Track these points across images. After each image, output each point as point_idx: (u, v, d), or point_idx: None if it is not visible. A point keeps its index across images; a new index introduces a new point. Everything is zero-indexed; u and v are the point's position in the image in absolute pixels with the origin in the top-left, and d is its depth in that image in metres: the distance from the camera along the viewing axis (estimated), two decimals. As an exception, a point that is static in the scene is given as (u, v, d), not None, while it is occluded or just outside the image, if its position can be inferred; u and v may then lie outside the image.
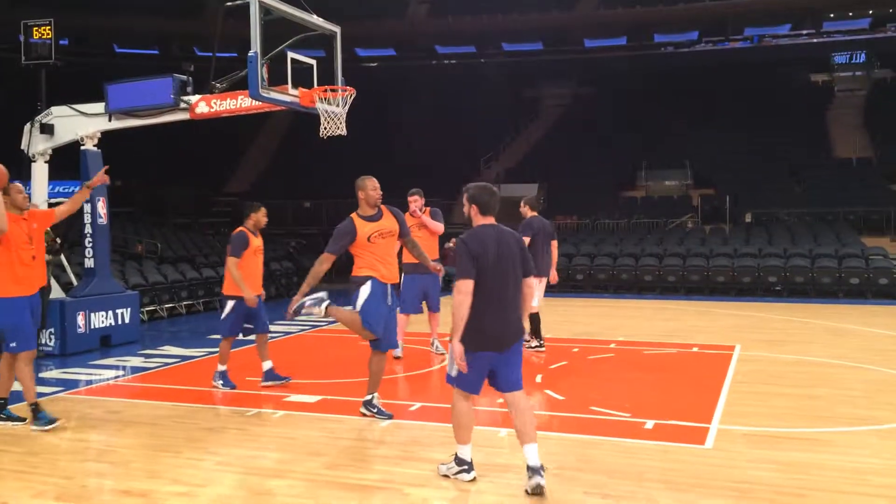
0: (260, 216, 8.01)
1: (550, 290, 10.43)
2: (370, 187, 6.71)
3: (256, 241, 7.94)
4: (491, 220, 5.10)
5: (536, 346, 9.98)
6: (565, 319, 13.77)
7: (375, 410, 6.76)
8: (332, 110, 9.80)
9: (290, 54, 9.34)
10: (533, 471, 4.90)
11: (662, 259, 19.14)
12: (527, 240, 8.76)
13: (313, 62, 9.76)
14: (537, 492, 4.83)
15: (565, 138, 30.33)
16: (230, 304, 7.91)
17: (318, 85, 9.71)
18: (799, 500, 4.79)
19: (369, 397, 6.80)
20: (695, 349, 10.40)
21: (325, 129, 9.57)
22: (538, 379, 8.36)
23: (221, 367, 8.02)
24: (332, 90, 9.88)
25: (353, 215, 6.68)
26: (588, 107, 32.65)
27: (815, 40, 33.75)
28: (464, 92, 32.94)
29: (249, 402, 7.43)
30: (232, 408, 7.32)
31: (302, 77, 9.86)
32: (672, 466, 5.45)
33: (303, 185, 26.56)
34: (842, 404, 7.22)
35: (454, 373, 5.02)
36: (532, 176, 26.98)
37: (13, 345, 6.49)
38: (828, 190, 23.93)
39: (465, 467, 5.17)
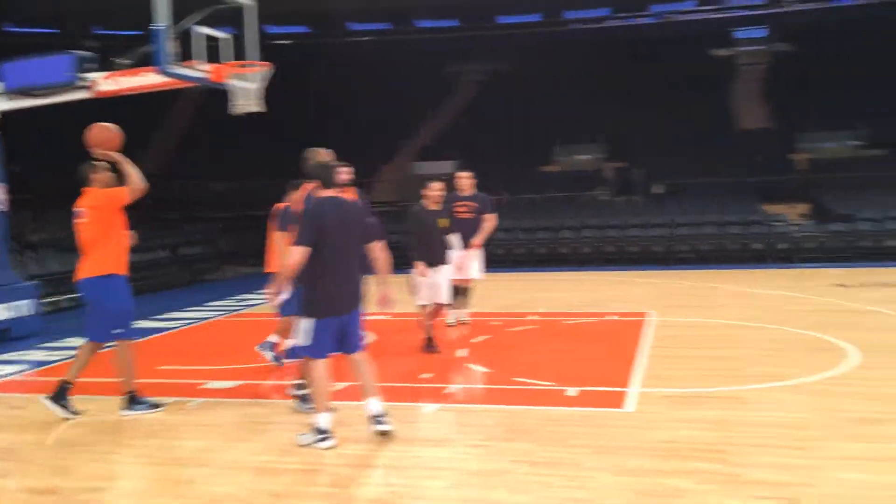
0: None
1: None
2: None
3: None
4: (332, 193, 5.42)
5: (461, 321, 10.01)
6: (486, 294, 13.85)
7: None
8: (247, 86, 9.50)
9: (200, 29, 8.98)
10: (377, 418, 5.39)
11: (579, 232, 19.51)
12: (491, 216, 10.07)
13: (225, 36, 9.40)
14: (385, 434, 5.33)
15: (482, 115, 30.42)
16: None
17: (230, 61, 9.38)
18: (720, 455, 4.96)
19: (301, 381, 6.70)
20: (612, 317, 10.65)
21: (239, 105, 9.26)
22: (462, 353, 8.39)
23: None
24: (245, 65, 9.57)
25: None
26: (503, 83, 32.82)
27: (717, 16, 34.83)
28: (380, 70, 32.57)
29: (165, 392, 7.15)
30: (146, 398, 7.03)
31: (213, 54, 9.51)
32: (596, 431, 5.56)
33: (217, 166, 25.80)
34: (752, 363, 7.52)
35: (306, 342, 5.28)
36: (450, 153, 27.00)
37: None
38: (732, 160, 24.80)
39: (326, 436, 5.28)
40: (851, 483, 4.43)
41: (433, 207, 8.63)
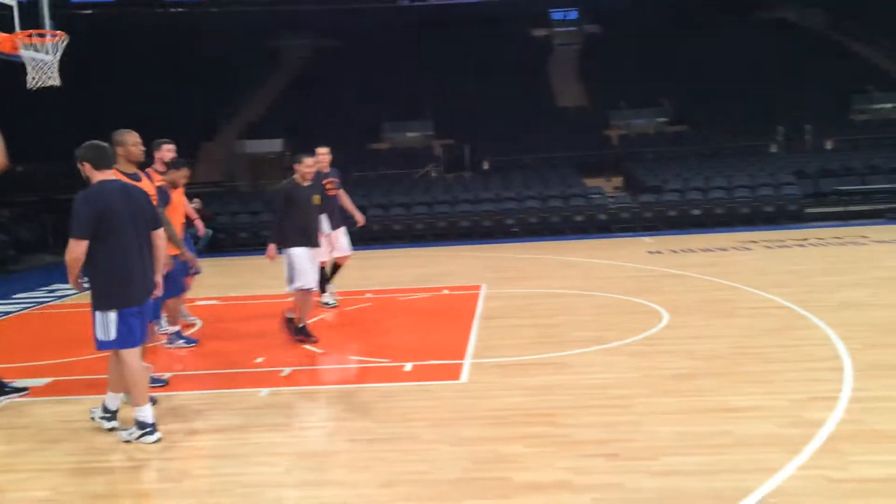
0: (180, 176, 7.70)
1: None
2: (131, 142, 6.00)
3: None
4: (109, 175, 5.07)
5: (332, 303, 9.87)
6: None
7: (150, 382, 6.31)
8: (42, 58, 8.69)
9: (-17, -7, 8.07)
10: (111, 414, 5.28)
11: (410, 208, 19.67)
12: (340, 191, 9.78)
13: (13, 3, 8.51)
14: (111, 430, 5.21)
15: (308, 92, 29.78)
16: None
17: (23, 30, 8.53)
18: (549, 418, 5.17)
19: None
20: (445, 291, 10.83)
21: (34, 79, 8.46)
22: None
23: (177, 327, 7.85)
24: (40, 35, 8.75)
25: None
26: (329, 60, 32.32)
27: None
28: (196, 43, 30.99)
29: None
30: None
31: (5, 23, 8.60)
32: (432, 404, 5.63)
33: (15, 145, 23.48)
34: (576, 329, 7.92)
35: (112, 335, 4.95)
36: (276, 131, 26.25)
37: None
38: (553, 136, 25.95)
39: (150, 430, 5.04)
40: (666, 435, 4.77)
41: (306, 184, 7.83)
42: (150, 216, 5.18)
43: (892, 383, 5.55)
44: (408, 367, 6.67)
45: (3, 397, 6.09)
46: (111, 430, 5.23)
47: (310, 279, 7.65)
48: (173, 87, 28.35)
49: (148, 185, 6.13)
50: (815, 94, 25.32)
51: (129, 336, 5.00)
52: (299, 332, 7.70)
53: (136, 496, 4.28)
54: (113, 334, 4.95)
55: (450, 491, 4.11)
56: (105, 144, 5.20)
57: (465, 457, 4.58)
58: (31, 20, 8.82)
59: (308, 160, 7.85)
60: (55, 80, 8.87)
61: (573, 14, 37.68)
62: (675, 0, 33.54)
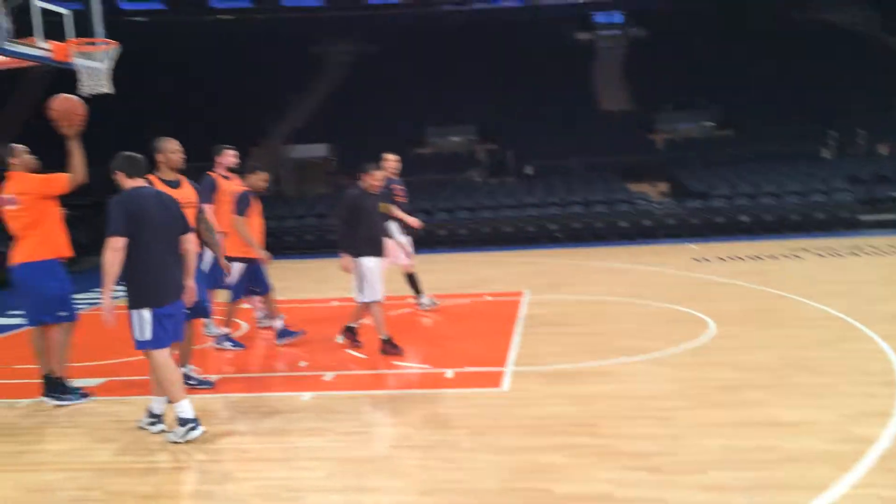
0: (258, 179, 7.91)
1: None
2: (170, 149, 6.19)
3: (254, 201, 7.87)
4: (141, 182, 5.32)
5: (430, 304, 9.96)
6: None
7: (195, 382, 6.46)
8: (94, 66, 8.92)
9: (37, 2, 8.30)
10: (156, 418, 5.40)
11: (453, 213, 19.69)
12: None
13: (66, 12, 8.75)
14: (159, 433, 5.32)
15: (353, 97, 30.07)
16: (237, 266, 7.81)
17: (76, 38, 8.76)
18: (590, 429, 5.12)
19: (185, 369, 6.45)
20: (487, 298, 10.81)
21: (87, 86, 8.68)
22: (339, 339, 8.25)
23: (227, 329, 8.03)
24: (92, 43, 8.98)
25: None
26: (374, 64, 32.57)
27: (577, 1, 35.97)
28: (243, 50, 31.53)
29: (24, 392, 6.63)
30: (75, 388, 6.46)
31: (55, 31, 8.85)
32: (473, 412, 5.62)
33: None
34: (619, 337, 7.82)
35: (147, 336, 5.13)
36: (322, 135, 26.54)
37: None
38: (597, 141, 25.77)
39: (192, 425, 5.18)
40: (711, 448, 4.68)
41: (374, 191, 7.63)
42: (181, 222, 5.38)
43: (949, 399, 5.36)
44: (449, 373, 6.67)
45: (65, 398, 6.23)
46: (160, 433, 5.34)
47: (379, 291, 7.45)
48: (221, 92, 28.88)
49: (188, 190, 6.28)
50: (868, 98, 24.68)
51: (163, 336, 5.19)
52: (385, 345, 7.44)
53: (181, 498, 4.36)
54: (148, 334, 5.13)
55: (489, 500, 4.09)
56: (137, 155, 5.40)
57: (505, 466, 4.56)
58: (84, 28, 9.06)
59: (378, 173, 7.64)
60: (107, 88, 9.08)
61: (618, 17, 37.39)
62: (721, 2, 33.06)
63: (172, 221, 5.29)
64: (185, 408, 5.18)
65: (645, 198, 20.13)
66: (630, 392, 5.90)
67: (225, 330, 8.08)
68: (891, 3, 30.84)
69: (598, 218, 18.84)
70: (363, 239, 7.40)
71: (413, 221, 9.87)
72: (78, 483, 4.59)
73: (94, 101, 9.70)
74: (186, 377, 6.41)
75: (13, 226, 6.12)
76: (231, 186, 8.41)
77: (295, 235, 19.74)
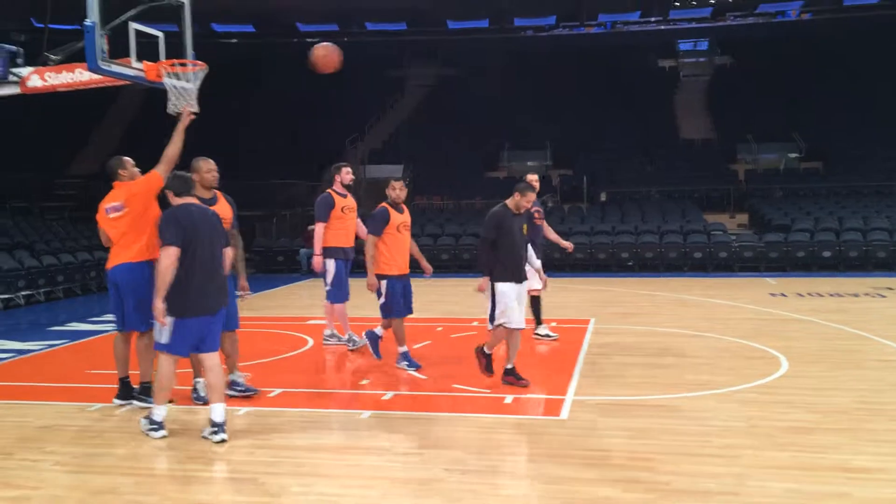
0: (393, 191, 7.76)
1: (417, 270, 10.15)
2: (204, 169, 6.49)
3: (401, 217, 7.73)
4: (189, 200, 5.73)
5: (545, 335, 9.37)
6: (432, 299, 13.84)
7: (241, 388, 6.68)
8: (182, 86, 9.30)
9: (133, 25, 8.73)
10: (218, 426, 5.52)
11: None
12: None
13: (160, 34, 9.18)
14: (220, 442, 5.46)
15: (430, 119, 30.44)
16: (384, 284, 7.63)
17: (167, 59, 9.17)
18: (648, 463, 5.01)
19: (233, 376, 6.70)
20: (553, 324, 10.69)
21: (175, 105, 9.06)
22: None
23: (403, 348, 7.77)
24: (182, 64, 9.38)
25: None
26: (452, 88, 32.92)
27: (662, 27, 35.59)
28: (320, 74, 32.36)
29: (89, 397, 6.91)
30: (72, 403, 6.79)
31: (149, 51, 9.29)
32: (529, 439, 5.57)
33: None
34: (687, 371, 7.63)
35: (165, 339, 5.52)
36: (397, 157, 26.91)
37: None
38: (675, 169, 25.31)
39: (157, 426, 5.63)
40: (776, 491, 4.51)
41: (520, 212, 7.09)
42: (222, 236, 5.82)
43: None
44: (508, 399, 6.63)
45: (129, 402, 6.50)
46: (221, 442, 5.48)
47: (516, 318, 6.87)
48: (304, 112, 29.68)
49: (224, 206, 6.54)
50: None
51: (181, 344, 5.54)
52: (508, 374, 7.02)
53: (237, 507, 4.45)
54: (166, 338, 5.52)
55: (540, 531, 4.04)
56: (187, 175, 5.91)
57: (558, 496, 4.49)
58: (176, 49, 9.47)
59: (531, 194, 7.11)
60: (194, 108, 9.45)
61: (703, 45, 36.79)
62: (809, 30, 32.15)
63: (216, 236, 5.70)
64: (159, 412, 5.63)
65: (722, 228, 19.62)
66: (694, 428, 5.74)
67: (403, 348, 7.75)
68: None
69: (672, 247, 18.44)
70: (501, 261, 6.86)
71: (567, 245, 9.75)
72: (141, 488, 4.75)
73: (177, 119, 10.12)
74: (233, 383, 6.64)
75: (114, 233, 6.35)
76: (346, 203, 8.71)
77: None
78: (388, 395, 6.82)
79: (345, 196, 8.75)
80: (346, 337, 8.86)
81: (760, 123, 26.76)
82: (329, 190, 8.80)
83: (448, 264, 19.21)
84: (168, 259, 5.39)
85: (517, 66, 33.05)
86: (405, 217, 7.78)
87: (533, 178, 9.14)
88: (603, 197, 24.35)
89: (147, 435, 5.65)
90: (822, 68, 30.00)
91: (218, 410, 5.58)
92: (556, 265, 18.70)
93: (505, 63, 32.91)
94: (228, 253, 5.92)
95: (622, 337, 9.63)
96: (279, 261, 20.28)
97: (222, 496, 4.61)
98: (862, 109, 26.15)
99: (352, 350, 8.72)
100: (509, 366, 7.06)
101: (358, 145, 29.69)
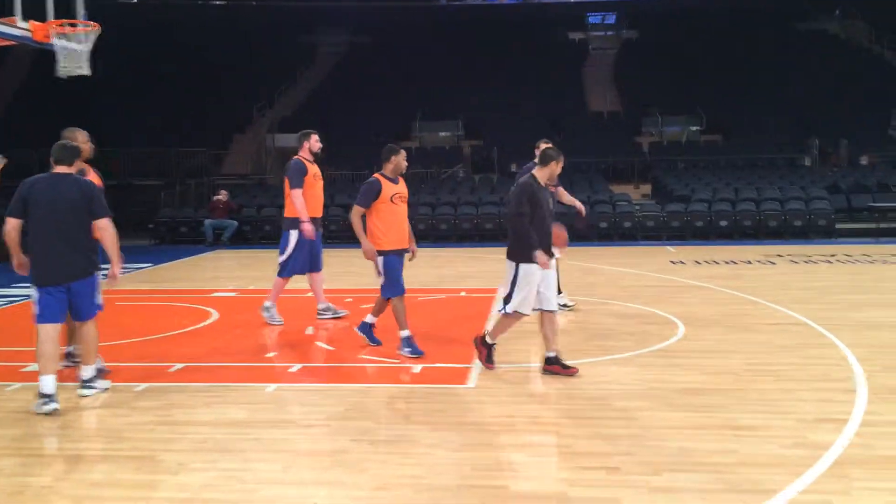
0: (401, 160, 7.20)
1: (327, 241, 9.95)
2: (80, 140, 6.33)
3: (395, 188, 7.10)
4: (63, 169, 5.73)
5: (563, 305, 8.89)
6: (343, 270, 13.74)
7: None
8: (73, 48, 8.86)
9: (18, -19, 8.23)
10: (84, 382, 5.81)
11: (435, 208, 19.67)
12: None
13: (47, -9, 8.69)
14: (83, 397, 5.74)
15: (341, 88, 29.96)
16: (379, 261, 7.08)
17: (56, 19, 8.70)
18: (554, 427, 5.14)
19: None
20: (462, 294, 10.81)
21: (65, 67, 8.61)
22: (309, 331, 8.24)
23: (405, 333, 7.10)
24: (72, 25, 8.92)
25: None
26: (364, 56, 32.45)
27: (571, 0, 36.02)
28: (232, 37, 31.34)
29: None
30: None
31: (37, 10, 8.78)
32: (437, 408, 5.62)
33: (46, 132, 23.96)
34: (590, 338, 7.85)
35: (36, 309, 5.61)
36: (308, 125, 26.40)
37: None
38: (583, 141, 25.80)
39: (47, 400, 5.48)
40: (669, 450, 4.70)
41: (547, 185, 6.57)
42: (79, 206, 5.64)
43: (906, 408, 5.42)
44: (416, 368, 6.66)
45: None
46: (52, 412, 5.46)
47: (529, 305, 6.35)
48: (209, 78, 28.70)
49: (94, 179, 6.30)
50: (852, 109, 24.88)
51: (46, 312, 5.59)
52: (552, 363, 6.42)
53: (132, 486, 4.31)
54: (36, 308, 5.60)
55: (444, 497, 4.09)
56: (71, 144, 5.89)
57: (465, 463, 4.56)
58: (65, 10, 8.98)
59: (562, 160, 6.57)
60: (85, 70, 9.02)
61: (611, 18, 37.43)
62: (715, 8, 33.17)
63: (67, 205, 5.60)
64: (47, 383, 5.49)
65: (627, 199, 20.19)
66: (594, 392, 5.92)
67: (405, 333, 7.12)
68: (882, 17, 31.08)
69: (579, 218, 18.83)
70: (535, 236, 6.24)
71: (580, 207, 9.64)
72: (30, 469, 4.56)
73: (77, 83, 9.66)
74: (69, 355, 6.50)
75: None
76: (315, 170, 8.47)
77: (275, 225, 19.62)
78: (295, 367, 6.74)
79: (313, 163, 8.46)
80: (269, 304, 8.58)
81: (664, 97, 27.55)
82: (299, 156, 8.46)
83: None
84: (5, 228, 5.62)
85: (431, 35, 32.87)
86: (400, 187, 7.13)
87: (543, 145, 9.11)
88: (513, 168, 24.61)
89: (37, 412, 5.45)
90: (723, 44, 31.05)
91: (86, 369, 5.84)
92: (464, 236, 18.88)
93: (417, 32, 32.68)
94: (101, 225, 5.73)
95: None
96: (183, 232, 19.70)
97: (118, 475, 4.46)
98: (759, 85, 27.26)
99: (266, 321, 8.53)
100: (552, 354, 6.42)
101: (266, 113, 28.98)
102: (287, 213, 8.41)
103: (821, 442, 4.74)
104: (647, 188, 22.99)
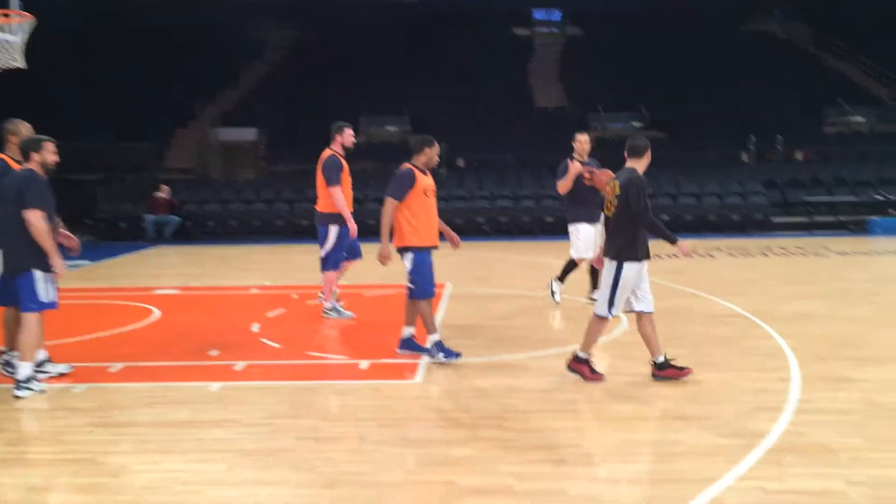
0: (434, 153, 6.86)
1: (273, 236, 9.94)
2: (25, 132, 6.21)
3: (427, 181, 6.78)
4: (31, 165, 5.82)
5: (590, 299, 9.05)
6: (286, 267, 13.63)
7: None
8: (6, 39, 8.57)
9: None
10: (19, 384, 5.78)
11: (383, 203, 19.63)
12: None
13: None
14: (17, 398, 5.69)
15: (287, 83, 29.56)
16: (409, 257, 6.78)
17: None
18: (498, 422, 5.18)
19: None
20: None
21: (-3, 59, 8.33)
22: (255, 328, 8.14)
23: (435, 337, 6.71)
24: (5, 15, 8.63)
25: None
26: (310, 51, 32.10)
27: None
28: (175, 30, 30.66)
29: None
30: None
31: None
32: (384, 404, 5.61)
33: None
34: (536, 332, 7.95)
35: (54, 297, 5.87)
36: (251, 120, 26.03)
37: None
38: (530, 136, 25.98)
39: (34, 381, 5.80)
40: (614, 442, 4.79)
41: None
42: (16, 197, 5.68)
43: (836, 396, 5.62)
44: (364, 364, 6.64)
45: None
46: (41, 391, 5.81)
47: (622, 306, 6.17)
48: (151, 71, 28.01)
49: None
50: (788, 106, 25.61)
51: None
52: (664, 368, 6.01)
53: (72, 490, 4.21)
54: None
55: (391, 493, 4.10)
56: (12, 127, 6.10)
57: (411, 459, 4.57)
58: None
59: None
60: (20, 63, 8.75)
61: (556, 15, 37.76)
62: (658, 6, 33.74)
63: (12, 196, 5.68)
64: (30, 369, 5.77)
65: (573, 194, 20.42)
66: (540, 386, 5.99)
67: (435, 337, 6.76)
68: (822, 21, 32.07)
69: (526, 213, 19.05)
70: (636, 238, 6.16)
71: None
72: (-37, 474, 4.41)
73: (11, 74, 9.32)
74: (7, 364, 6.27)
75: None
76: (346, 166, 8.35)
77: (217, 220, 19.33)
78: (240, 365, 6.65)
79: (344, 157, 8.35)
80: (328, 304, 8.52)
81: (609, 94, 27.92)
82: (331, 150, 8.32)
83: (304, 230, 18.92)
84: None
85: (377, 31, 32.66)
86: (431, 181, 6.84)
87: (581, 137, 9.26)
88: (461, 163, 24.69)
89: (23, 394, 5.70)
90: (666, 43, 31.61)
91: (26, 368, 5.83)
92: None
93: (365, 28, 32.45)
94: (27, 216, 5.68)
95: (476, 300, 9.86)
96: (122, 227, 19.23)
97: (57, 479, 4.35)
98: (701, 84, 27.83)
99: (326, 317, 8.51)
100: (661, 359, 6.06)
101: (209, 108, 28.43)
102: (324, 209, 8.29)
103: (757, 430, 4.89)
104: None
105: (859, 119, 25.79)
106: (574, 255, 9.13)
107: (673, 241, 6.06)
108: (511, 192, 20.07)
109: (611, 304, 6.02)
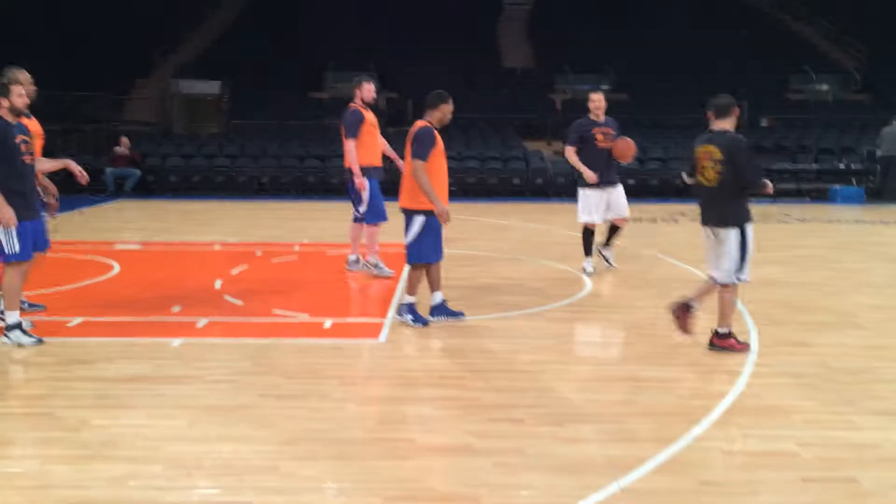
0: (448, 110, 6.73)
1: (236, 193, 9.78)
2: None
3: (441, 142, 6.58)
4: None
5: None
6: (249, 223, 13.47)
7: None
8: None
9: None
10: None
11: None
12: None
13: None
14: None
15: (250, 34, 28.87)
16: (419, 220, 6.47)
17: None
18: (461, 381, 5.21)
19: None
20: (376, 248, 10.73)
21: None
22: (217, 285, 8.05)
23: (411, 299, 6.61)
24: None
25: None
26: (275, 2, 31.34)
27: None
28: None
29: None
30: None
31: None
32: (346, 362, 5.61)
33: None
34: (499, 293, 7.97)
35: (17, 249, 5.73)
36: (215, 72, 25.43)
37: None
38: (497, 97, 25.83)
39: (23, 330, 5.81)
40: (574, 402, 4.86)
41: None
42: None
43: (793, 360, 5.75)
44: (327, 323, 6.62)
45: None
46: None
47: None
48: (109, 17, 27.13)
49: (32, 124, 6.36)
50: (753, 72, 25.75)
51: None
52: (724, 337, 5.91)
53: (30, 444, 4.16)
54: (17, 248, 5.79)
55: (351, 450, 4.10)
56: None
57: (372, 417, 4.59)
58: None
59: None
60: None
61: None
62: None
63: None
64: (17, 316, 5.84)
65: (540, 156, 20.43)
66: (502, 347, 6.03)
67: (411, 299, 6.68)
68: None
69: (493, 174, 19.01)
70: (744, 205, 6.14)
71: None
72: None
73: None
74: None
75: None
76: (372, 118, 8.30)
77: (180, 175, 18.98)
78: (203, 321, 6.58)
79: (368, 111, 8.28)
80: (373, 261, 8.47)
81: (576, 55, 27.79)
82: (354, 104, 8.19)
83: (267, 187, 18.72)
84: None
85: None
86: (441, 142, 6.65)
87: (595, 96, 9.04)
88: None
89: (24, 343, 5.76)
90: (634, 4, 31.48)
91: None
92: (387, 189, 18.72)
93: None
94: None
95: (443, 261, 9.82)
96: (82, 180, 18.77)
97: (14, 433, 4.28)
98: (666, 47, 27.83)
99: (375, 276, 8.43)
100: (725, 330, 5.93)
101: (170, 57, 27.69)
102: (349, 164, 8.28)
103: (716, 392, 4.99)
104: (559, 145, 23.27)
105: (823, 87, 26.08)
106: (581, 220, 9.09)
107: (770, 189, 6.11)
108: (478, 153, 19.98)
109: (740, 269, 5.88)
